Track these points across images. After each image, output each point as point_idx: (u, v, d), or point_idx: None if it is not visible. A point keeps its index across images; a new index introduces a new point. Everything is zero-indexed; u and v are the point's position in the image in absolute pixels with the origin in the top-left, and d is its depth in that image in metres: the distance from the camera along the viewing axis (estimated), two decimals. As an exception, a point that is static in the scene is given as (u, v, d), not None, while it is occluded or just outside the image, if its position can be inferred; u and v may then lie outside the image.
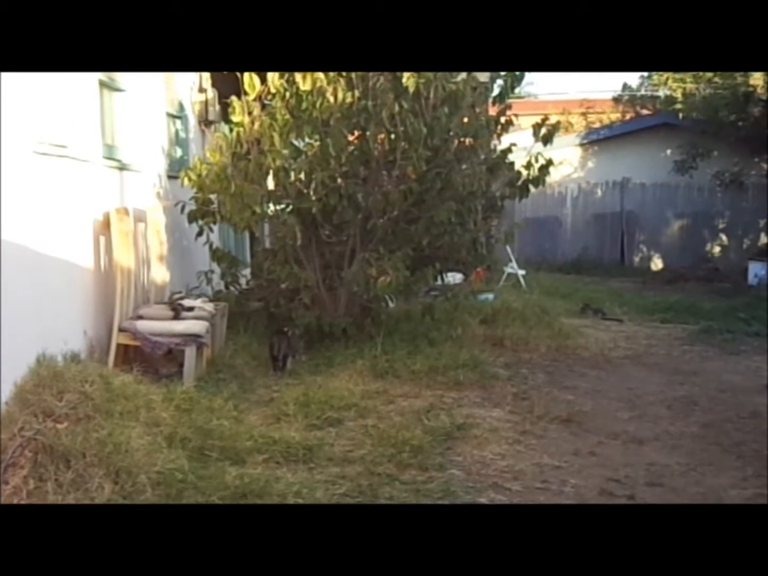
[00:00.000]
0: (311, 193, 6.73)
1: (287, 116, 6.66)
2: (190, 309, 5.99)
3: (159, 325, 5.66)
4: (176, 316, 5.83)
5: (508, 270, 12.15)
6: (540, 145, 7.67)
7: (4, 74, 4.14)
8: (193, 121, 8.78)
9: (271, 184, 7.08)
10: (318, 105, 6.56)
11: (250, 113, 6.77)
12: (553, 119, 8.11)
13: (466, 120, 7.17)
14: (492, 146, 7.78)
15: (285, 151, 6.70)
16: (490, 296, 9.56)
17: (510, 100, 7.73)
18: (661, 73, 18.01)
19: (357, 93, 6.67)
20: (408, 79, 6.53)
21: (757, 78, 13.76)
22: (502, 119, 7.65)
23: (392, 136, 6.77)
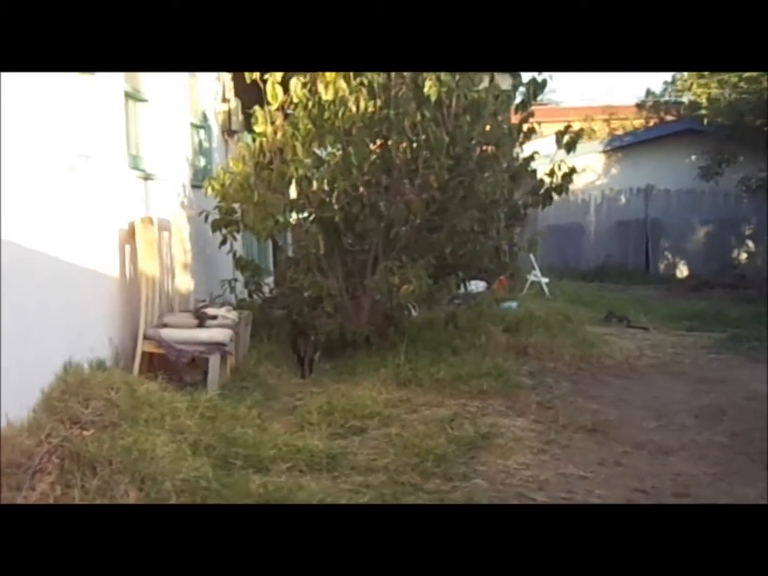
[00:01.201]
0: (334, 202, 6.73)
1: (310, 126, 6.69)
2: (214, 317, 6.02)
3: (183, 333, 5.69)
4: (200, 325, 5.86)
5: (531, 278, 12.11)
6: (563, 152, 7.64)
7: (26, 82, 4.18)
8: (216, 130, 8.84)
9: (293, 193, 7.09)
10: (340, 114, 6.58)
11: (272, 123, 6.80)
12: (576, 126, 8.06)
13: (488, 128, 7.16)
14: (514, 154, 7.75)
15: (307, 161, 6.72)
16: (514, 304, 9.53)
17: (532, 108, 7.71)
18: (685, 78, 17.89)
19: (379, 102, 6.68)
20: (430, 87, 6.53)
21: (783, 82, 13.62)
22: (525, 127, 7.62)
23: (414, 144, 6.77)
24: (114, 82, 5.63)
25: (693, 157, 15.98)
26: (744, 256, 16.32)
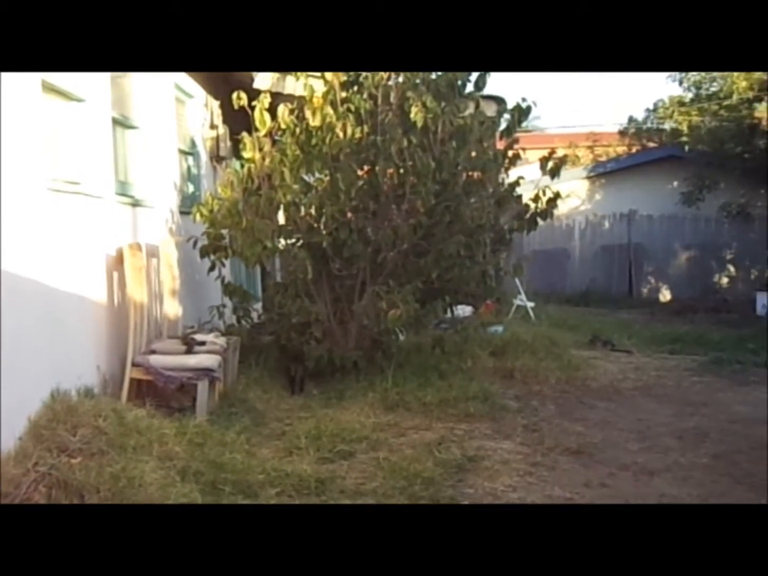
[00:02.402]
0: (322, 227, 6.79)
1: (297, 152, 6.75)
2: (203, 343, 6.03)
3: (172, 360, 5.70)
4: (189, 351, 5.87)
5: (517, 302, 12.17)
6: (547, 178, 7.74)
7: (13, 106, 4.21)
8: (204, 157, 8.90)
9: (281, 218, 7.15)
10: (328, 140, 6.65)
11: (260, 149, 6.86)
12: (560, 152, 8.19)
13: (474, 154, 7.25)
14: (500, 180, 7.85)
15: (295, 186, 6.77)
16: (500, 328, 9.58)
17: (517, 134, 7.83)
18: (666, 105, 18.16)
19: (366, 128, 6.76)
20: (416, 114, 6.62)
21: (761, 110, 13.86)
22: (510, 153, 7.73)
23: (401, 170, 6.84)
24: (102, 108, 5.68)
25: (675, 183, 16.19)
26: (725, 280, 16.49)
